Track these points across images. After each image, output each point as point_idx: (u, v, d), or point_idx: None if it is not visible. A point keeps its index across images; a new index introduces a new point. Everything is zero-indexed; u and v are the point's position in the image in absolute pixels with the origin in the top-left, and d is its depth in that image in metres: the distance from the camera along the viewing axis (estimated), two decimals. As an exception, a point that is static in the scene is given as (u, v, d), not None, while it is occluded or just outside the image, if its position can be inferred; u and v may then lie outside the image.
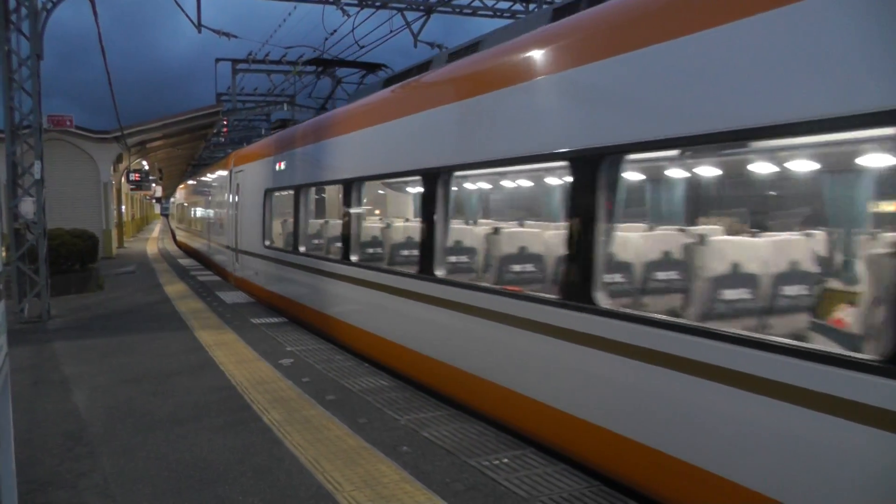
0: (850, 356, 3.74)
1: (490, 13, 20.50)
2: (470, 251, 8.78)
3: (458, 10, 20.28)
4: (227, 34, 19.25)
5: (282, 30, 54.99)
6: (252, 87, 37.33)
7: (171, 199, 65.31)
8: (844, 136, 4.31)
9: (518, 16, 20.50)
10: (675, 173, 7.98)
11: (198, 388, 8.03)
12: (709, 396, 4.41)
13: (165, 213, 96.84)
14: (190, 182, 38.86)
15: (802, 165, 6.37)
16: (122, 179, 35.83)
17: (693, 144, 4.73)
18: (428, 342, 7.82)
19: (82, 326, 11.86)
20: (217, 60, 28.75)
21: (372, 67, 13.78)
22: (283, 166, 13.29)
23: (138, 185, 38.81)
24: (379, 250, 10.35)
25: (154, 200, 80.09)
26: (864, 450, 3.64)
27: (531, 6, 20.33)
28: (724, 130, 4.41)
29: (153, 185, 48.18)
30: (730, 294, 5.75)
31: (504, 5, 20.58)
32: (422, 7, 19.63)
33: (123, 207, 38.15)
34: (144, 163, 40.05)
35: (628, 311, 5.27)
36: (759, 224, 7.78)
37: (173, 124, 28.01)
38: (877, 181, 6.21)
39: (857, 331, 5.10)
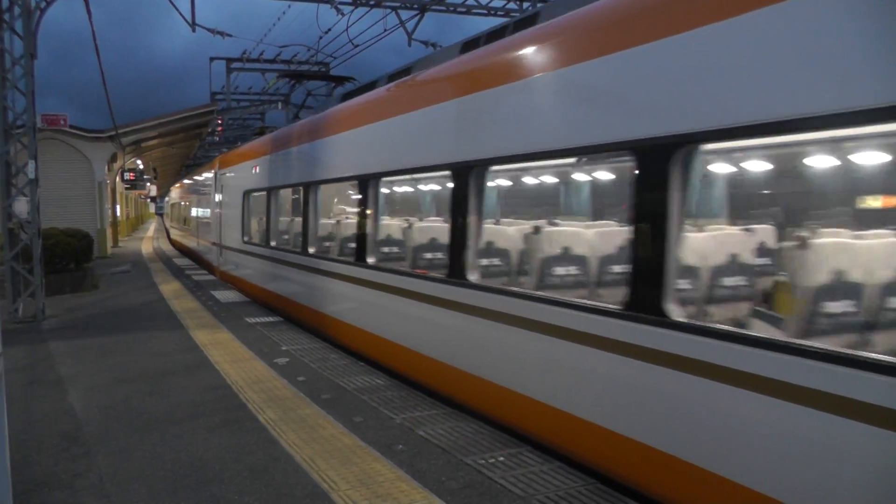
0: None
1: (484, 11, 20.51)
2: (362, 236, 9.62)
3: (452, 8, 20.28)
4: (221, 33, 19.22)
5: (276, 28, 54.83)
6: (246, 86, 36.93)
7: (166, 199, 65.10)
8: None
9: (512, 14, 20.51)
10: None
11: (193, 387, 8.02)
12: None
13: (160, 213, 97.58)
14: (183, 182, 39.27)
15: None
16: (117, 179, 35.64)
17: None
18: (353, 312, 9.44)
19: (77, 326, 11.85)
20: (211, 59, 28.64)
21: (340, 80, 14.97)
22: (257, 170, 14.96)
23: (133, 185, 38.53)
24: (330, 244, 11.54)
25: (149, 200, 79.11)
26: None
27: (525, 4, 20.34)
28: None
29: (148, 184, 47.78)
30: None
31: (498, 3, 20.59)
32: (416, 6, 19.63)
33: (118, 207, 37.83)
34: (139, 162, 39.87)
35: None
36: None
37: (168, 123, 27.91)
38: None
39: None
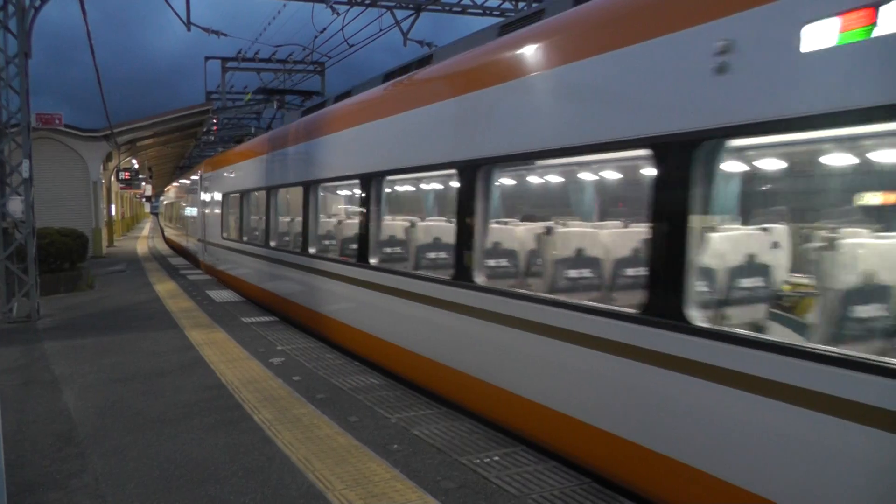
0: None
1: (479, 11, 20.51)
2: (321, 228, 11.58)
3: (447, 7, 20.27)
4: (216, 32, 19.18)
5: (271, 28, 54.90)
6: (241, 85, 36.63)
7: (161, 198, 65.05)
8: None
9: (507, 14, 20.51)
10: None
11: (188, 387, 8.00)
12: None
13: (155, 212, 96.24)
14: (175, 182, 39.94)
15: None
16: (112, 178, 35.51)
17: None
18: (285, 287, 12.12)
19: (72, 326, 11.83)
20: (206, 58, 28.56)
21: (308, 94, 17.21)
22: (233, 175, 17.26)
23: (128, 184, 38.30)
24: (288, 238, 13.19)
25: (144, 199, 78.98)
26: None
27: (520, 5, 20.34)
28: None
29: (143, 183, 47.29)
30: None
31: (493, 3, 20.58)
32: (411, 5, 19.62)
33: (113, 206, 37.76)
34: (134, 161, 39.68)
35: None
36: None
37: (163, 123, 27.86)
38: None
39: None
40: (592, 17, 5.61)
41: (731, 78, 4.29)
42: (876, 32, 3.64)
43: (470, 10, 20.45)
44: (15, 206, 12.75)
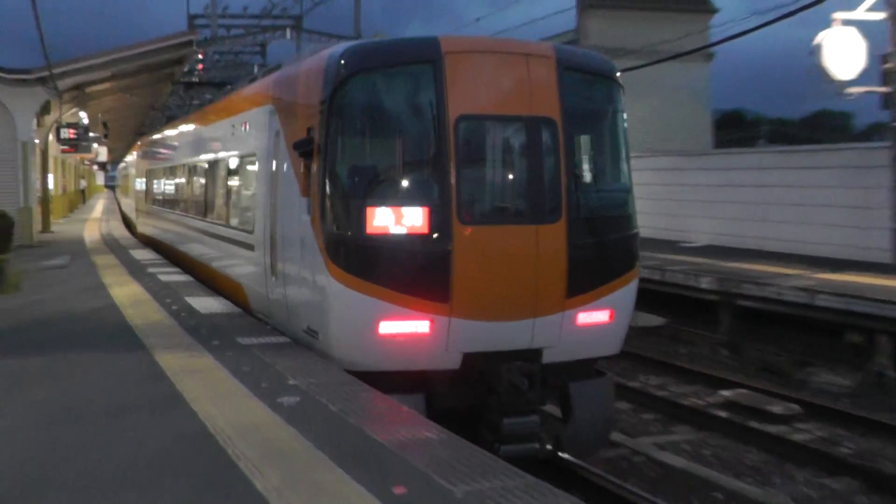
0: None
1: None
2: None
3: None
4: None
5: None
6: (240, 6, 26.85)
7: (121, 165, 51.28)
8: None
9: None
10: None
11: (158, 434, 5.79)
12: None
13: (112, 185, 74.60)
14: (144, 141, 30.70)
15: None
16: (50, 137, 26.50)
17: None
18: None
19: None
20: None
21: (219, 86, 20.14)
22: (152, 153, 23.50)
23: (74, 146, 27.62)
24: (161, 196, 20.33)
25: (96, 167, 60.83)
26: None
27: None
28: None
29: (95, 145, 34.07)
30: None
31: None
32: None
33: (50, 176, 28.63)
34: (83, 115, 29.87)
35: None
36: None
37: (125, 60, 21.23)
38: None
39: None
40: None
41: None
42: None
43: None
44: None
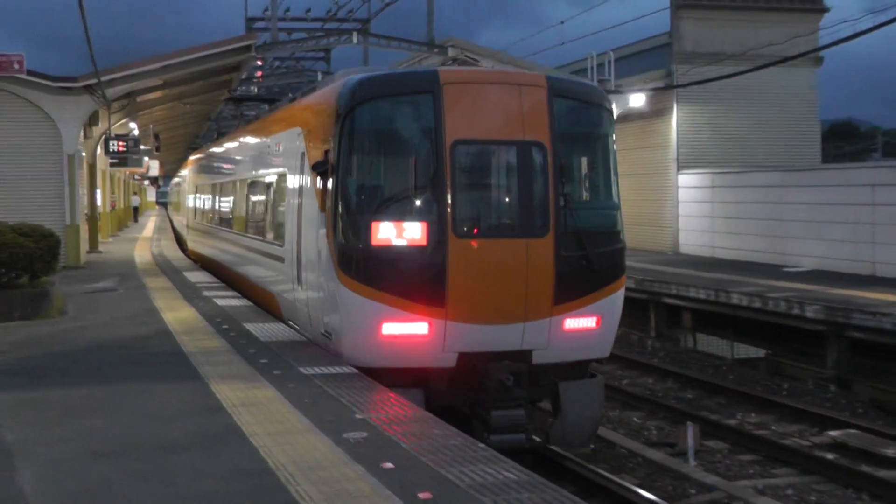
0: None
1: None
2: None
3: None
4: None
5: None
6: (302, 8, 23.25)
7: (175, 181, 46.89)
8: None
9: None
10: None
11: (214, 470, 5.26)
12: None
13: (163, 201, 68.24)
14: (193, 158, 28.63)
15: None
16: (98, 150, 24.50)
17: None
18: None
19: (32, 370, 8.68)
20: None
21: (270, 101, 19.76)
22: (200, 169, 23.67)
23: (123, 159, 25.12)
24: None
25: (146, 182, 55.70)
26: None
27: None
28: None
29: (146, 159, 33.11)
30: None
31: None
32: None
33: (98, 192, 26.61)
34: (133, 126, 27.80)
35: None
36: None
37: (179, 66, 19.76)
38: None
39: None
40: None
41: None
42: None
43: None
44: None
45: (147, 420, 6.57)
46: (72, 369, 8.75)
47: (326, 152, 8.78)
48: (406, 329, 8.18)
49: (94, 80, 17.92)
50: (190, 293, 14.86)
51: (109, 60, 20.10)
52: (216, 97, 27.18)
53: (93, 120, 21.43)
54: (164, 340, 10.10)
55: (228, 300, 13.80)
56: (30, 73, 18.52)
